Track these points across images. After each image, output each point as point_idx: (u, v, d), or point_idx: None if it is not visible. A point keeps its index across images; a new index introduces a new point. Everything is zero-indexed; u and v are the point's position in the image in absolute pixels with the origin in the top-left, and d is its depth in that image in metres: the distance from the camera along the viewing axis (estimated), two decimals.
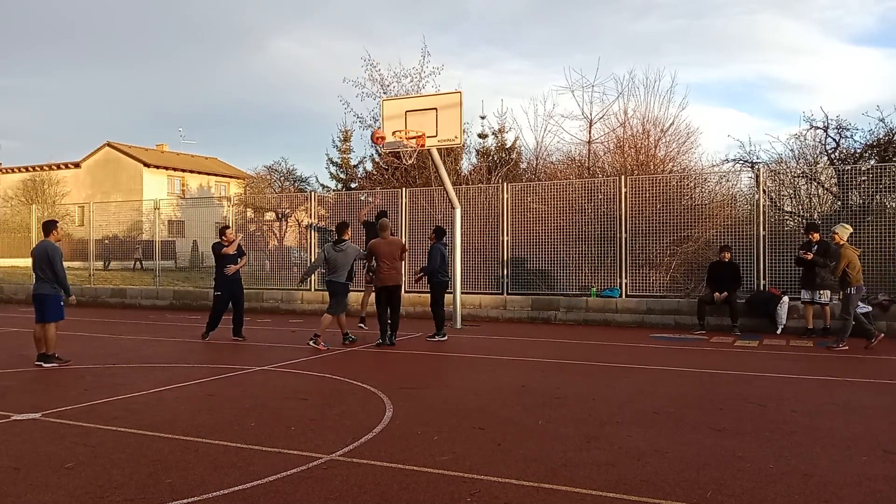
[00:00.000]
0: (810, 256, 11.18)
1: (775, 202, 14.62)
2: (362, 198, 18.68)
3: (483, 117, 24.12)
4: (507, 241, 14.81)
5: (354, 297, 15.65)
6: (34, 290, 8.89)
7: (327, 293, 11.67)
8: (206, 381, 7.61)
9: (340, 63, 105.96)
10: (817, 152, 17.10)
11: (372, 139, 12.77)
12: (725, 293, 12.10)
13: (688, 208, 14.41)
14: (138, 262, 24.09)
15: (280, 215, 22.24)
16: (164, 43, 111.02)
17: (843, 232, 10.26)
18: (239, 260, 11.39)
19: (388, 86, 21.76)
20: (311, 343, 10.16)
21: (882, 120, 16.31)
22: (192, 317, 15.41)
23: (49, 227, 9.03)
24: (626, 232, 13.84)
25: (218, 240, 11.64)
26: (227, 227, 12.01)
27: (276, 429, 5.49)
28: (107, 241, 22.38)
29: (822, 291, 11.19)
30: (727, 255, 12.34)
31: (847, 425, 5.60)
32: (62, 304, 8.82)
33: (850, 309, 10.12)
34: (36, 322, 8.81)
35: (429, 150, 12.79)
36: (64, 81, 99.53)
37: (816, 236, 11.34)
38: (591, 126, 20.24)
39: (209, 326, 11.20)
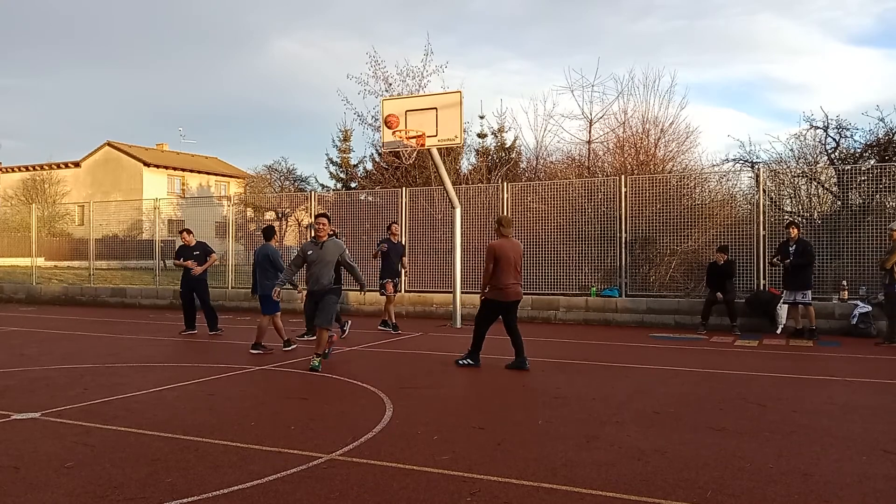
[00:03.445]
0: (776, 262, 11.43)
1: (775, 202, 14.63)
2: (362, 198, 18.69)
3: (482, 117, 24.16)
4: None
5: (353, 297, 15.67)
6: (258, 289, 9.90)
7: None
8: (206, 380, 7.61)
9: (342, 64, 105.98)
10: (817, 152, 17.14)
11: (385, 124, 12.67)
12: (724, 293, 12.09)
13: (688, 208, 14.42)
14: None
15: (280, 215, 22.27)
16: (165, 43, 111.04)
17: None
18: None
19: (392, 84, 21.79)
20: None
21: (882, 120, 16.36)
22: None
23: (269, 232, 10.23)
24: (625, 232, 13.85)
25: (203, 241, 12.41)
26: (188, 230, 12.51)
27: (276, 428, 5.48)
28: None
29: (803, 291, 11.19)
30: (722, 257, 12.26)
31: (847, 425, 5.60)
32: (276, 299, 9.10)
33: None
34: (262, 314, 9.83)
35: (429, 149, 12.79)
36: (64, 81, 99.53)
37: (795, 233, 11.32)
38: (590, 126, 20.28)
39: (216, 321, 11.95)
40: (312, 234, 8.73)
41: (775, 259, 11.53)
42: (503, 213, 14.81)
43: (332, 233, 8.70)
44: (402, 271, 12.53)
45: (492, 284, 8.29)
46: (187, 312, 12.03)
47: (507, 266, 8.20)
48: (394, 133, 12.50)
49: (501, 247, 8.25)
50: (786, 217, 14.08)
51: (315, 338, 8.53)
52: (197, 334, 11.79)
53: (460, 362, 8.57)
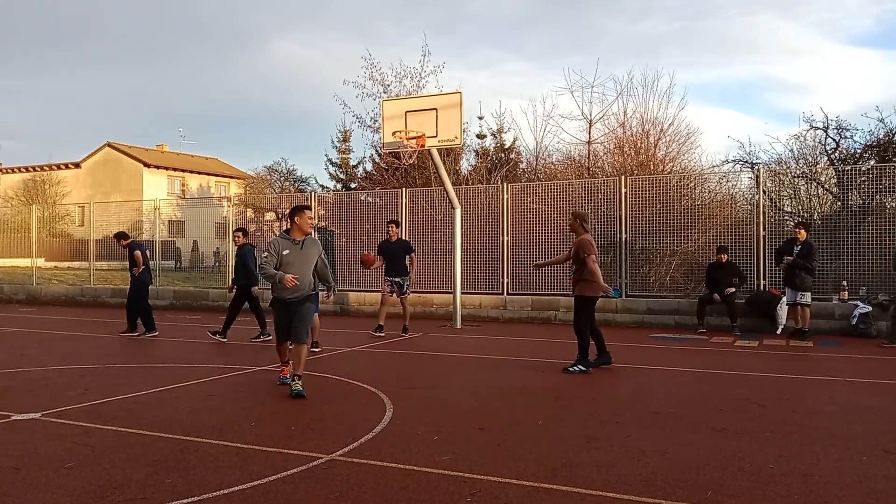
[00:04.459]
0: (788, 260, 11.28)
1: (775, 202, 14.63)
2: (362, 198, 18.69)
3: (481, 118, 24.13)
4: (507, 241, 14.81)
5: (359, 298, 15.66)
6: None
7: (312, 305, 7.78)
8: (206, 381, 7.61)
9: (342, 64, 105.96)
10: (817, 153, 17.17)
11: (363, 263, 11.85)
12: (728, 291, 12.05)
13: (688, 208, 14.43)
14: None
15: (280, 215, 22.25)
16: (165, 43, 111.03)
17: None
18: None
19: (389, 85, 21.80)
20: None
21: (881, 120, 16.38)
22: (192, 316, 15.42)
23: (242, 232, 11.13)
24: (626, 232, 13.85)
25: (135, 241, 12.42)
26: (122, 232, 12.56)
27: (276, 429, 5.49)
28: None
29: (802, 293, 11.19)
30: (723, 257, 12.26)
31: (847, 425, 5.60)
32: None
33: None
34: None
35: (429, 150, 12.79)
36: (64, 81, 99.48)
37: (803, 234, 11.31)
38: (590, 126, 20.28)
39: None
40: (285, 229, 7.31)
41: (783, 263, 11.49)
42: (503, 213, 14.82)
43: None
44: (409, 272, 12.08)
45: (589, 280, 8.18)
46: (143, 317, 11.89)
47: (596, 261, 8.25)
48: (393, 134, 12.51)
49: (593, 242, 8.33)
50: (787, 217, 14.10)
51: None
52: (195, 333, 11.79)
53: (578, 368, 8.13)
